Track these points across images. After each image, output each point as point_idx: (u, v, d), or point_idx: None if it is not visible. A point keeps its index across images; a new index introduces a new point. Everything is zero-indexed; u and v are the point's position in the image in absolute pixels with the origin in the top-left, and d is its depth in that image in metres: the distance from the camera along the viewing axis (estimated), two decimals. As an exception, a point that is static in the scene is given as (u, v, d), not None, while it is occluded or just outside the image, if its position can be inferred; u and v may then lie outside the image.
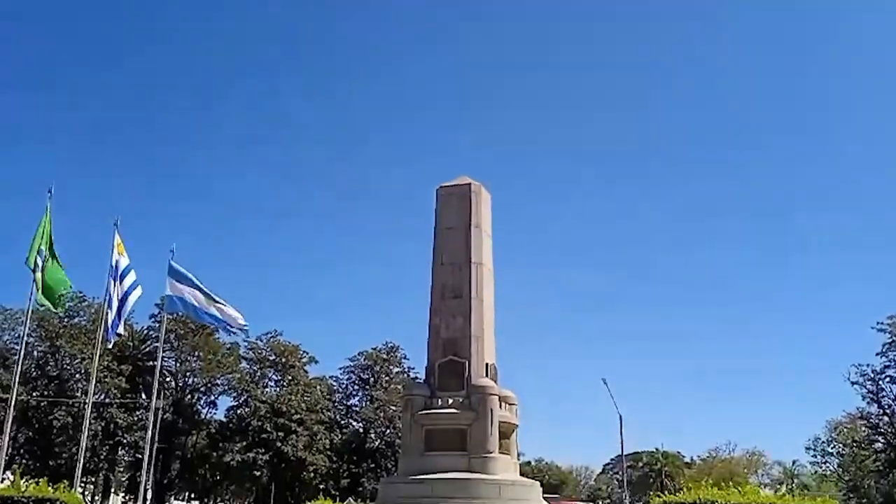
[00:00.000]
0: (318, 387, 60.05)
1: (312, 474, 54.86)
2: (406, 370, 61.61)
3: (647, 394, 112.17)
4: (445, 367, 26.25)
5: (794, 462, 67.93)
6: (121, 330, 26.28)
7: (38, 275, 21.31)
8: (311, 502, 33.44)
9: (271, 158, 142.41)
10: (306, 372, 60.10)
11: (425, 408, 25.66)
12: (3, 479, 22.73)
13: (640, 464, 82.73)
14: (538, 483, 27.29)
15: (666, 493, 14.54)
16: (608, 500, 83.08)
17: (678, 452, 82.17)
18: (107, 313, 25.65)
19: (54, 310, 24.16)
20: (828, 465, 64.07)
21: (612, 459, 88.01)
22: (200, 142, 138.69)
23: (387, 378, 61.83)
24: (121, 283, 25.51)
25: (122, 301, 25.92)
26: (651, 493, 24.58)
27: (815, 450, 64.38)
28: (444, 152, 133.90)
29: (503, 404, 26.05)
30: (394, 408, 56.14)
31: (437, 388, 26.06)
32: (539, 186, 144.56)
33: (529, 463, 70.98)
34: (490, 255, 28.98)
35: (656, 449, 79.38)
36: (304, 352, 59.87)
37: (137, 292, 25.60)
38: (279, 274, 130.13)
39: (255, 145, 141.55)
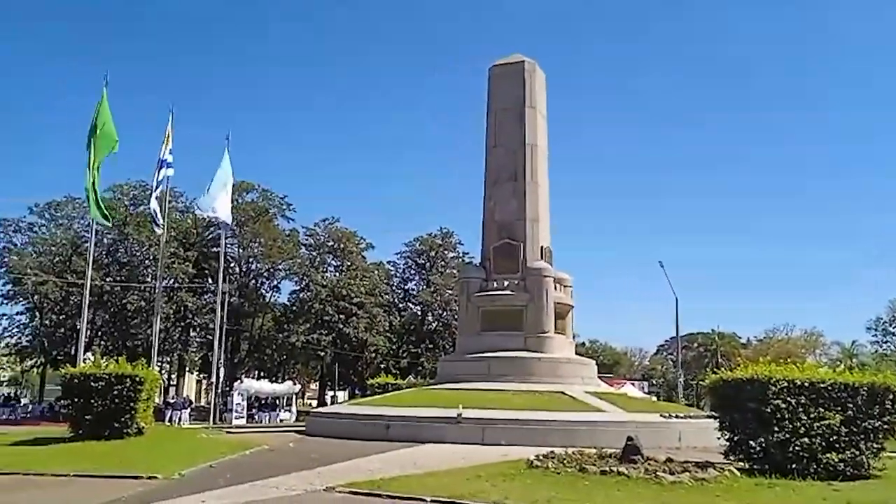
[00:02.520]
0: (376, 272, 61.37)
1: (374, 354, 57.05)
2: (461, 255, 62.32)
3: (703, 277, 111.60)
4: (500, 250, 26.49)
5: (853, 342, 67.33)
6: (160, 221, 26.77)
7: (91, 193, 21.64)
8: (374, 379, 35.05)
9: (319, 46, 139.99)
10: (364, 257, 61.32)
11: (481, 290, 26.17)
12: (85, 360, 24.26)
13: (695, 345, 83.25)
14: (594, 362, 27.86)
15: (722, 370, 14.53)
16: (662, 380, 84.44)
17: (734, 333, 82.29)
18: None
19: (107, 224, 24.63)
20: (889, 344, 63.52)
21: (666, 341, 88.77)
22: (256, 30, 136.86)
23: (442, 263, 62.77)
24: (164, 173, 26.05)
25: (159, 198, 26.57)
26: (707, 371, 24.75)
27: (876, 329, 63.75)
28: (500, 29, 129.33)
29: (558, 286, 26.32)
30: (450, 291, 57.24)
31: (492, 271, 26.45)
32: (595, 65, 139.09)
33: (584, 344, 72.10)
34: (545, 137, 28.41)
35: (712, 330, 79.57)
36: (360, 238, 60.97)
37: (167, 172, 26.02)
38: (334, 162, 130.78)
39: (305, 33, 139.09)
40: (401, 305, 63.24)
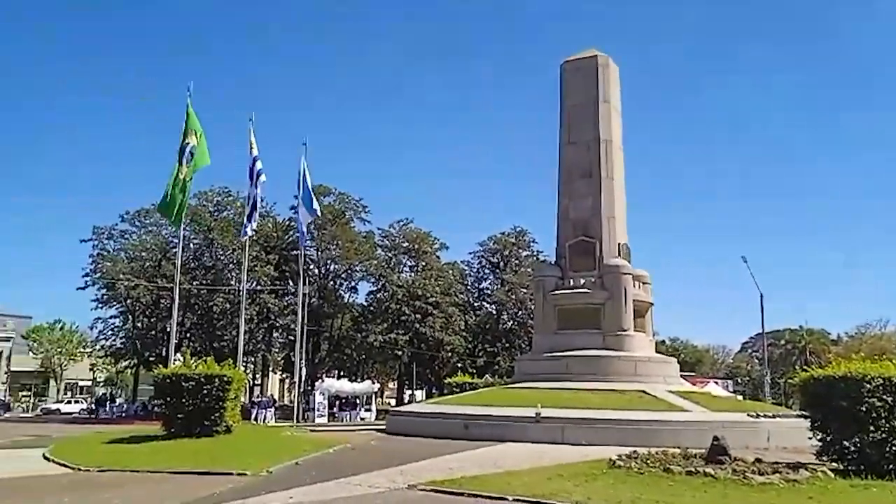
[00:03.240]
0: (451, 271, 61.62)
1: (450, 353, 57.30)
2: (535, 253, 61.93)
3: (790, 272, 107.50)
4: (576, 248, 26.20)
5: (958, 337, 63.57)
6: (249, 230, 27.69)
7: (177, 197, 22.36)
8: (451, 379, 35.24)
9: (393, 43, 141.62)
10: (438, 257, 61.71)
11: (557, 288, 25.94)
12: (175, 361, 25.30)
13: (782, 342, 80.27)
14: (675, 360, 27.22)
15: (812, 368, 13.95)
16: (747, 378, 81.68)
17: (822, 330, 78.87)
18: (246, 209, 27.37)
19: (170, 221, 25.46)
20: None
21: (751, 338, 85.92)
22: (331, 36, 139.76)
23: (516, 261, 62.51)
24: (254, 177, 26.84)
25: (254, 203, 27.38)
26: (796, 369, 23.77)
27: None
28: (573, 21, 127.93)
29: (637, 283, 25.85)
30: (524, 290, 56.95)
31: (568, 269, 26.19)
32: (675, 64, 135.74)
33: (664, 342, 70.47)
34: (620, 132, 27.91)
35: (800, 326, 76.51)
36: (434, 238, 61.38)
37: (262, 178, 26.82)
38: (406, 163, 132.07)
39: (377, 36, 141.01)
40: (475, 305, 63.28)
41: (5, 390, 66.57)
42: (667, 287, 62.41)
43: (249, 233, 27.95)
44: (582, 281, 25.40)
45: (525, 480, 10.84)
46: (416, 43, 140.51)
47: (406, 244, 60.12)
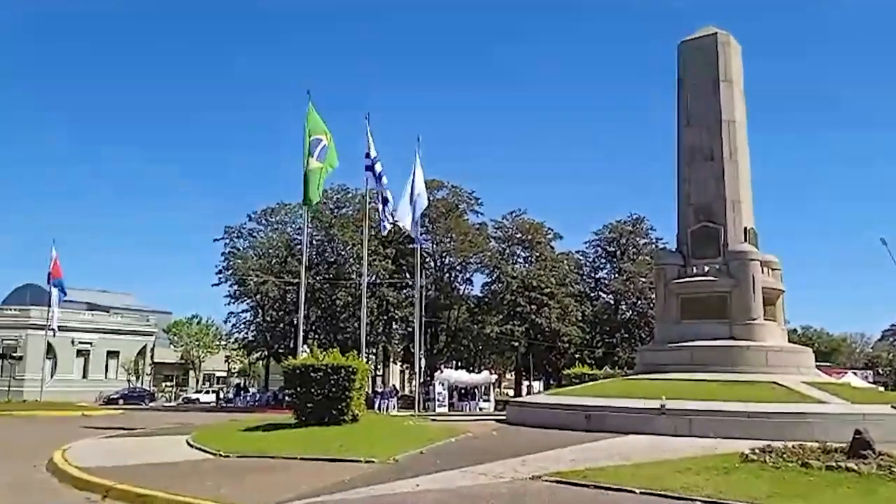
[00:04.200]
0: (566, 261, 60.98)
1: (567, 344, 56.74)
2: (653, 241, 60.27)
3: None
4: (699, 234, 25.22)
5: None
6: (388, 224, 28.61)
7: (311, 177, 23.12)
8: (569, 370, 34.90)
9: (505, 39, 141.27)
10: (552, 248, 61.21)
11: (679, 276, 25.08)
12: (303, 352, 26.39)
13: (929, 328, 74.34)
14: (810, 350, 25.76)
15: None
16: (889, 368, 76.07)
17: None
18: (373, 206, 28.16)
19: (310, 209, 26.25)
20: None
21: (893, 325, 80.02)
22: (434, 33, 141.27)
23: (634, 250, 61.04)
24: (377, 177, 27.46)
25: (385, 199, 28.08)
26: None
27: None
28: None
29: (765, 269, 24.61)
30: (643, 279, 55.55)
31: (690, 256, 25.26)
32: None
33: (795, 331, 66.79)
34: (743, 112, 26.63)
35: (950, 312, 70.53)
36: (548, 228, 60.91)
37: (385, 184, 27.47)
38: (517, 151, 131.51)
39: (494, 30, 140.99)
40: (592, 295, 62.32)
41: (150, 381, 71.82)
42: (798, 273, 59.14)
43: (388, 227, 28.89)
44: (706, 268, 24.45)
45: (652, 473, 10.60)
46: (521, 31, 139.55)
47: (519, 235, 60.00)
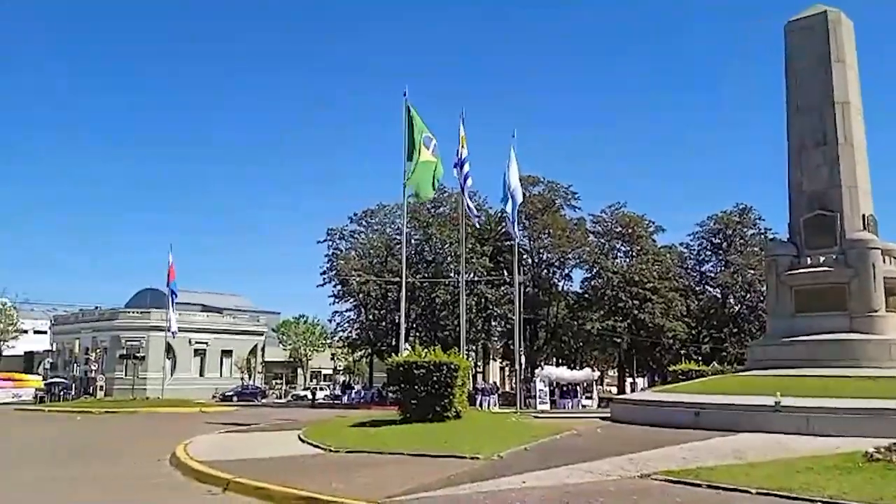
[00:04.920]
0: (668, 255, 59.39)
1: (671, 340, 55.23)
2: (762, 231, 57.80)
3: None
4: (812, 223, 23.99)
5: None
6: (475, 213, 28.68)
7: (425, 168, 23.32)
8: (675, 366, 33.92)
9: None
10: (654, 241, 59.73)
11: (792, 267, 23.93)
12: (405, 349, 26.84)
13: None
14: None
15: None
16: None
17: None
18: (463, 201, 28.24)
19: (425, 197, 26.39)
20: None
21: None
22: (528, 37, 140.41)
23: (741, 241, 58.76)
24: (464, 178, 27.51)
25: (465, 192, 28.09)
26: None
27: None
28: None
29: (887, 258, 23.14)
30: (752, 271, 53.42)
31: (803, 247, 24.06)
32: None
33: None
34: (857, 93, 25.12)
35: None
36: (649, 221, 59.44)
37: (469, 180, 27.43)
38: (615, 145, 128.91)
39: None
40: (697, 289, 60.42)
41: (261, 379, 74.96)
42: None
43: (479, 216, 28.97)
44: (821, 259, 23.21)
45: (768, 472, 10.18)
46: (626, 21, 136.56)
47: (619, 229, 58.84)
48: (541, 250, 58.46)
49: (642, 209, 61.50)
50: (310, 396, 60.57)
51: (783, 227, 25.89)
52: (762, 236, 56.01)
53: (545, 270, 59.33)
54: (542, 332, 58.89)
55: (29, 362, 74.43)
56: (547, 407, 38.07)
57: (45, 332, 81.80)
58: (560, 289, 60.21)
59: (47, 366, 73.23)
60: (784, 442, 14.25)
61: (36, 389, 51.25)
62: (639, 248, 58.05)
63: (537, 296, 56.61)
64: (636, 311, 53.95)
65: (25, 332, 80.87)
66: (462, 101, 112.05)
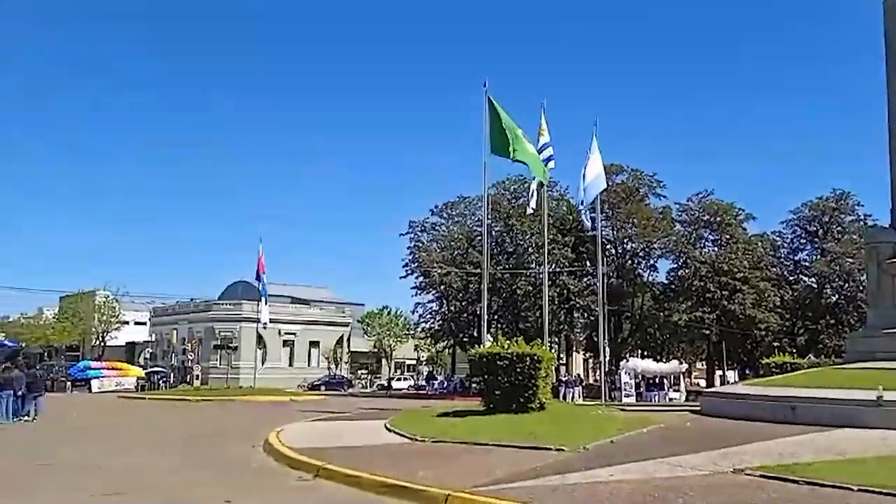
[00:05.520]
0: (760, 244, 57.34)
1: (764, 332, 53.33)
2: (861, 218, 54.93)
3: None
4: (918, 208, 22.63)
5: None
6: (533, 204, 28.38)
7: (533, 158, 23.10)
8: (768, 359, 32.74)
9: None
10: (744, 229, 57.77)
11: (894, 256, 22.68)
12: (487, 340, 26.88)
13: None
14: None
15: None
16: None
17: None
18: (536, 192, 27.95)
19: (541, 176, 26.12)
20: None
21: None
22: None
23: (839, 228, 56.04)
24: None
25: (540, 184, 27.68)
26: None
27: None
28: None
29: None
30: (850, 260, 50.94)
31: (907, 233, 22.73)
32: None
33: None
34: (966, 69, 23.42)
35: None
36: (738, 209, 57.49)
37: (550, 165, 26.95)
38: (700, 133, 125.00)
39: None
40: (791, 279, 58.06)
41: (347, 369, 76.71)
42: None
43: (533, 206, 28.68)
44: (927, 245, 21.91)
45: (871, 469, 9.72)
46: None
47: (707, 217, 57.07)
48: (625, 240, 57.40)
49: (731, 197, 59.44)
50: (385, 386, 61.77)
51: (886, 214, 24.51)
52: (861, 223, 53.32)
53: (629, 261, 58.23)
54: (626, 324, 57.88)
55: (130, 352, 78.48)
56: (633, 400, 37.40)
57: (144, 324, 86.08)
58: (645, 279, 59.00)
59: (147, 356, 77.09)
60: (888, 438, 13.54)
61: (137, 378, 53.98)
62: (728, 236, 56.24)
63: (621, 287, 55.64)
64: (726, 302, 52.33)
65: (126, 323, 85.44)
66: (542, 91, 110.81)
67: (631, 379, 40.02)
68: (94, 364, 55.45)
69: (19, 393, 22.57)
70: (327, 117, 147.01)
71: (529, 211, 30.03)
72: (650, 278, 59.47)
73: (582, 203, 28.68)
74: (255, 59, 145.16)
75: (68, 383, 50.84)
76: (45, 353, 73.57)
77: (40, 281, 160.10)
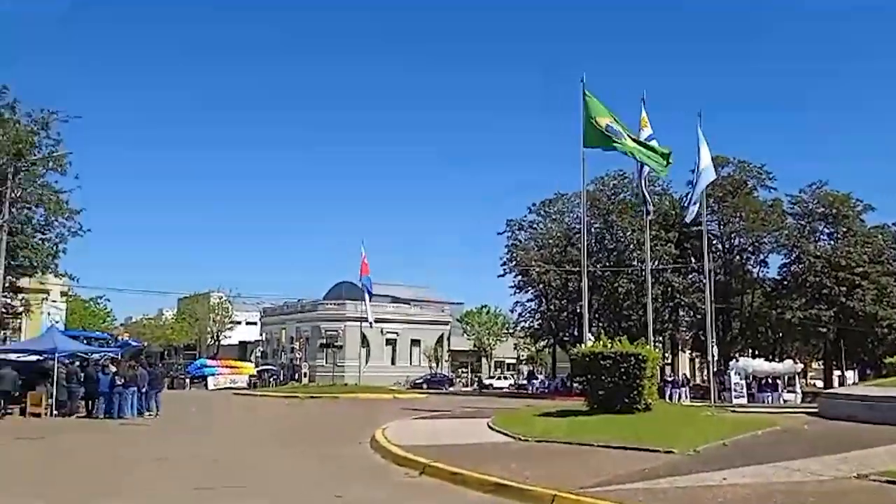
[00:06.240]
0: (881, 236, 53.87)
1: (886, 329, 50.11)
2: None
3: None
4: None
5: None
6: (650, 208, 27.43)
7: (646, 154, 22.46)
8: (891, 358, 30.72)
9: None
10: (862, 221, 54.44)
11: None
12: (589, 339, 26.50)
13: None
14: None
15: None
16: None
17: None
18: (651, 189, 27.06)
19: (660, 173, 25.41)
20: None
21: None
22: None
23: (969, 217, 51.90)
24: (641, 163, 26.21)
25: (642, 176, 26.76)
26: None
27: None
28: None
29: None
30: None
31: None
32: None
33: None
34: None
35: None
36: (856, 200, 54.18)
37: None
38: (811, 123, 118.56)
39: None
40: (916, 273, 54.16)
41: (448, 367, 77.41)
42: None
43: (651, 210, 27.78)
44: None
45: None
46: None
47: (821, 209, 54.11)
48: (732, 235, 55.20)
49: (847, 188, 55.92)
50: (477, 385, 61.88)
51: None
52: None
53: (737, 256, 55.96)
54: (735, 322, 55.60)
55: (242, 351, 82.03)
56: (744, 401, 35.95)
57: (255, 323, 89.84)
58: (755, 276, 56.54)
59: (258, 354, 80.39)
60: None
61: (249, 376, 56.47)
62: (845, 229, 53.13)
63: (729, 283, 53.56)
64: (843, 299, 49.47)
65: (239, 323, 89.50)
66: (643, 83, 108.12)
67: (742, 379, 38.43)
68: (209, 362, 58.40)
69: (143, 390, 24.01)
70: (426, 118, 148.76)
71: (649, 217, 28.97)
72: (760, 274, 56.94)
73: (689, 196, 27.56)
74: (358, 63, 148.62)
75: (186, 380, 53.84)
76: (165, 352, 77.92)
77: (160, 283, 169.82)
